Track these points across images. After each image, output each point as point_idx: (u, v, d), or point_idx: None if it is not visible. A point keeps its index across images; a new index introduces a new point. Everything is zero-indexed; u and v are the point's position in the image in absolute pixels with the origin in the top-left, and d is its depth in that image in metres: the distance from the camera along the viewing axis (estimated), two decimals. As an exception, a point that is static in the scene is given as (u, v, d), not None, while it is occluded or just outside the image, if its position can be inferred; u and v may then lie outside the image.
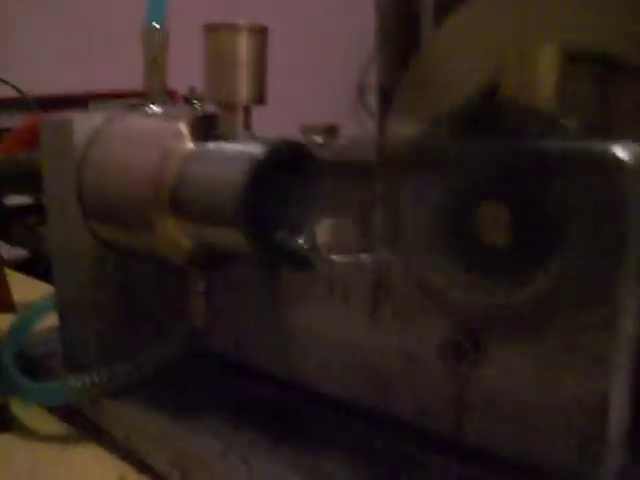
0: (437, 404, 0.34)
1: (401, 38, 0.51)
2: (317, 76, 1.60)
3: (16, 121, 1.00)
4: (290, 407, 0.39)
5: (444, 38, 0.39)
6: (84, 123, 0.42)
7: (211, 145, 0.37)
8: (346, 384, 0.38)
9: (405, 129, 0.37)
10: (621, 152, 0.27)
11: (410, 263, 0.33)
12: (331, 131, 0.43)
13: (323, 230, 0.40)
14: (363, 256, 0.37)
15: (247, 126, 0.38)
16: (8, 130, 0.89)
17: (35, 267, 0.92)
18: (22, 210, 0.98)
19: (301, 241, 0.37)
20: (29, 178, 0.51)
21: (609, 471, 0.30)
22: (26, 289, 0.71)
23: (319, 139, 0.42)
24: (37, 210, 0.98)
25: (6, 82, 0.89)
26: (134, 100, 0.45)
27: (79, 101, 1.11)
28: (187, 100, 0.43)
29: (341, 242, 0.40)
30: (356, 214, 0.40)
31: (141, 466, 0.39)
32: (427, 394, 0.34)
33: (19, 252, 1.03)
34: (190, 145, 0.37)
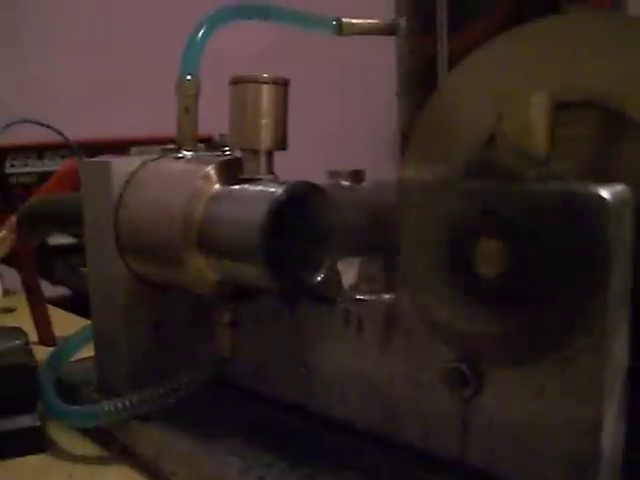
0: (442, 429, 0.36)
1: (419, 86, 0.55)
2: (362, 123, 1.64)
3: (59, 165, 1.05)
4: (306, 433, 0.42)
5: (452, 86, 0.42)
6: (121, 166, 0.45)
7: (235, 187, 0.40)
8: (359, 411, 0.40)
9: (416, 172, 0.40)
10: (604, 192, 0.30)
11: (416, 297, 0.35)
12: (356, 175, 0.46)
13: (347, 268, 0.43)
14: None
15: (270, 170, 0.41)
16: (51, 174, 0.94)
17: (76, 306, 0.96)
18: (64, 250, 1.03)
19: (319, 277, 0.40)
20: (70, 217, 0.55)
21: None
22: (67, 325, 0.74)
23: (345, 183, 0.45)
24: (79, 250, 1.02)
25: (50, 127, 0.94)
26: (169, 145, 0.48)
27: (120, 146, 1.15)
28: (218, 146, 0.46)
29: (365, 279, 0.43)
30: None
31: (168, 485, 0.42)
32: (432, 420, 0.37)
33: (62, 291, 1.07)
34: (217, 187, 0.41)
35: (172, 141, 0.48)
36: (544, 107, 0.32)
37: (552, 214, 0.30)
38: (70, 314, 0.85)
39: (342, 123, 1.64)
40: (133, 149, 1.15)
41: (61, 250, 1.03)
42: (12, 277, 0.85)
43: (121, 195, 0.45)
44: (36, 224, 0.64)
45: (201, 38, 0.47)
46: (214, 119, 0.59)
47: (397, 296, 0.37)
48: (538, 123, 0.32)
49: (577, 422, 0.32)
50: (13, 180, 1.09)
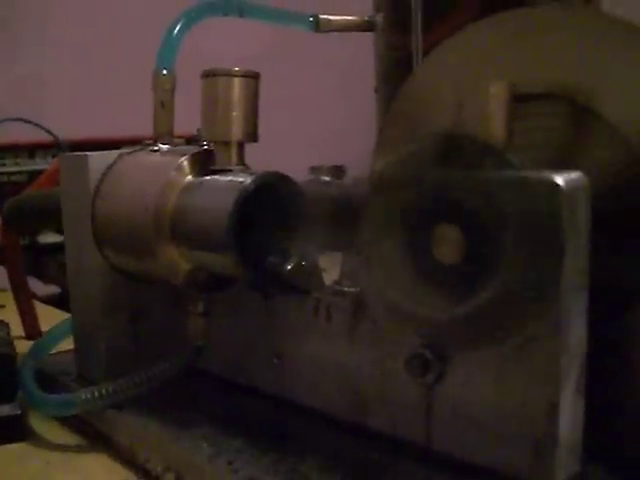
0: (407, 415, 0.37)
1: (396, 80, 0.55)
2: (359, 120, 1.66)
3: (50, 164, 1.06)
4: (278, 420, 0.42)
5: (420, 78, 0.43)
6: (98, 159, 0.46)
7: (206, 178, 0.41)
8: (329, 399, 0.41)
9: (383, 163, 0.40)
10: (558, 179, 0.30)
11: (379, 285, 0.36)
12: (337, 171, 0.46)
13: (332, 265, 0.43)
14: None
15: (241, 161, 0.42)
16: (42, 172, 0.95)
17: (67, 303, 0.96)
18: (55, 248, 1.03)
19: (289, 266, 0.41)
20: (53, 211, 0.55)
21: (561, 475, 0.33)
22: (54, 320, 0.75)
23: (326, 178, 0.46)
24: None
25: (41, 127, 0.95)
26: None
27: (110, 146, 1.16)
28: (195, 141, 0.47)
29: (347, 275, 0.44)
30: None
31: (142, 472, 0.42)
32: (399, 406, 0.37)
33: (53, 289, 1.08)
34: (189, 178, 0.41)
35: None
36: (502, 97, 0.33)
37: (507, 201, 0.31)
38: (60, 311, 0.86)
39: (340, 120, 1.64)
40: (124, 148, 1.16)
41: (51, 249, 1.04)
42: (2, 275, 0.86)
43: (98, 187, 0.46)
44: (21, 219, 0.65)
45: (177, 34, 0.47)
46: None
47: (363, 284, 0.38)
48: (496, 112, 0.33)
49: (534, 405, 0.32)
50: (4, 178, 1.10)
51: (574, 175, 0.31)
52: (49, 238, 1.05)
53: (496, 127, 0.33)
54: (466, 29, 0.41)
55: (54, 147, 1.09)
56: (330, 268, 0.44)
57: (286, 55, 1.47)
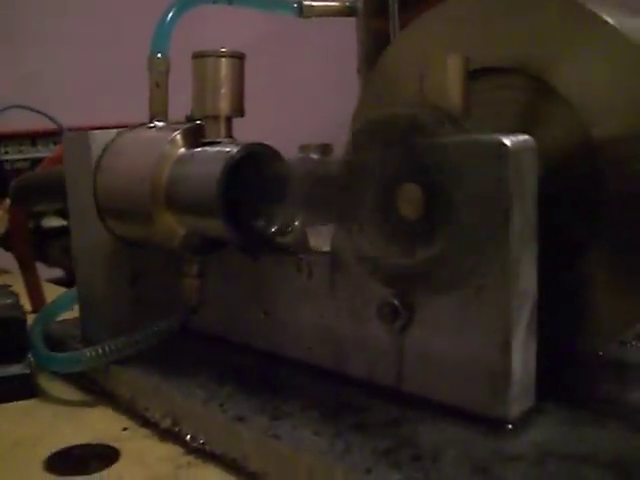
0: (381, 360, 0.41)
1: (376, 62, 0.59)
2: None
3: (52, 151, 1.10)
4: (265, 371, 0.47)
5: (389, 55, 0.47)
6: (99, 136, 0.50)
7: (197, 150, 0.45)
8: (311, 349, 0.45)
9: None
10: (506, 140, 0.34)
11: (354, 240, 0.40)
12: (325, 149, 0.50)
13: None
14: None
15: (228, 134, 0.46)
16: (44, 159, 0.99)
17: (71, 286, 1.00)
18: (58, 232, 1.07)
19: (273, 228, 0.45)
20: (56, 187, 0.59)
21: (516, 409, 0.37)
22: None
23: (314, 156, 0.49)
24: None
25: (42, 113, 0.98)
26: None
27: None
28: (189, 119, 0.51)
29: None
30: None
31: (142, 420, 0.46)
32: (373, 352, 0.41)
33: (57, 273, 1.11)
34: (182, 150, 0.45)
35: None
36: (458, 69, 0.37)
37: (460, 161, 0.35)
38: (64, 289, 0.90)
39: (326, 100, 1.68)
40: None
41: (55, 232, 1.07)
42: (9, 258, 0.90)
43: (99, 162, 0.50)
44: (27, 197, 0.68)
45: (170, 20, 0.51)
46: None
47: (341, 243, 0.42)
48: (453, 83, 0.37)
49: (490, 345, 0.36)
50: (7, 166, 1.14)
51: (521, 137, 0.35)
52: (53, 222, 1.08)
53: (453, 96, 0.37)
54: (434, 8, 0.45)
55: (55, 135, 1.13)
56: (321, 244, 0.48)
57: (275, 40, 1.51)
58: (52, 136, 1.16)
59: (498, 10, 0.43)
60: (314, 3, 0.59)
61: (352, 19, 0.62)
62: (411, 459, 0.34)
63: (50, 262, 1.11)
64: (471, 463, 0.34)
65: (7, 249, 0.94)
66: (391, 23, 0.57)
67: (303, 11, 0.58)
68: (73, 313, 0.58)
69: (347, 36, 0.66)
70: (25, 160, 1.15)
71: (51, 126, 1.10)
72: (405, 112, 0.37)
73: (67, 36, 1.64)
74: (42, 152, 1.15)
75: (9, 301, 0.55)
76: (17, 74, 1.55)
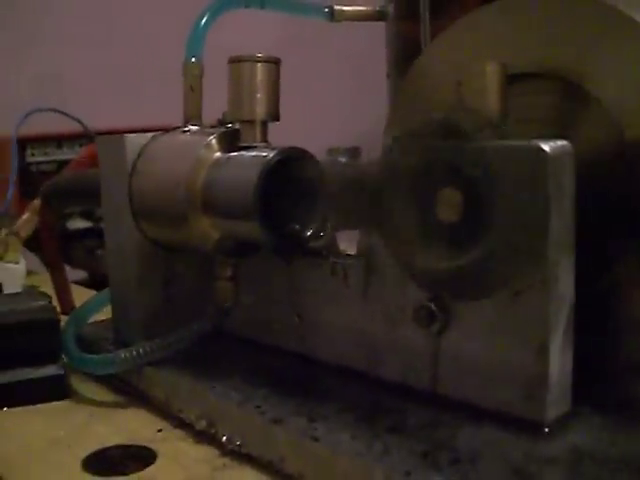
0: (416, 363, 0.41)
1: (406, 66, 0.59)
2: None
3: (77, 153, 1.11)
4: (299, 373, 0.47)
5: (423, 62, 0.47)
6: (134, 140, 0.51)
7: (233, 154, 0.45)
8: (345, 352, 0.45)
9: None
10: (545, 146, 0.34)
11: (390, 244, 0.40)
12: (354, 152, 0.51)
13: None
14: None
15: (264, 138, 0.46)
16: (69, 162, 1.00)
17: (94, 287, 1.01)
18: (82, 234, 1.08)
19: (309, 232, 0.45)
20: (90, 190, 0.60)
21: (553, 413, 0.37)
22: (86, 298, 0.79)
23: (343, 159, 0.50)
24: (95, 234, 1.08)
25: (68, 115, 0.99)
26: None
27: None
28: (221, 123, 0.51)
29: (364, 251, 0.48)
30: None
31: (177, 421, 0.47)
32: (408, 355, 0.42)
33: (81, 275, 1.13)
34: (217, 154, 0.46)
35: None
36: (497, 75, 0.37)
37: (499, 167, 0.35)
38: (89, 290, 0.90)
39: (355, 105, 1.68)
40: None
41: (79, 234, 1.08)
42: (34, 260, 0.91)
43: (134, 165, 0.50)
44: (60, 199, 0.69)
45: (203, 25, 0.52)
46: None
47: (375, 247, 0.42)
48: (491, 89, 0.37)
49: (527, 349, 0.36)
50: (34, 168, 1.15)
51: (560, 143, 0.35)
52: (77, 224, 1.09)
53: (492, 102, 0.37)
54: (466, 16, 0.45)
55: (81, 137, 1.14)
56: (348, 247, 0.48)
57: (305, 44, 1.52)
58: (78, 138, 1.17)
59: (528, 16, 0.43)
60: (345, 8, 0.60)
61: (380, 24, 0.63)
62: (450, 462, 0.34)
63: (74, 264, 1.12)
64: (509, 465, 0.34)
65: (32, 250, 0.95)
66: (422, 28, 0.57)
67: (334, 15, 0.59)
68: (104, 314, 0.59)
69: (375, 40, 0.66)
70: (50, 162, 1.17)
71: (76, 128, 1.11)
72: (444, 117, 0.37)
73: (84, 36, 1.65)
74: (67, 154, 1.16)
75: (42, 303, 0.55)
76: (33, 77, 1.57)
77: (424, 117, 0.39)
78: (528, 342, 0.36)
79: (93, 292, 0.88)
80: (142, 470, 0.42)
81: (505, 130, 0.36)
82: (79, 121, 1.02)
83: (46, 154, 1.17)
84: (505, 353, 0.37)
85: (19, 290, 0.83)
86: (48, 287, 0.77)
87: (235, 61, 0.45)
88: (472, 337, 0.39)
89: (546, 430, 0.37)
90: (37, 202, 0.87)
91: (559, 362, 0.37)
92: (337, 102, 1.75)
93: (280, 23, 1.33)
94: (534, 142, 0.35)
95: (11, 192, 0.87)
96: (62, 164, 1.13)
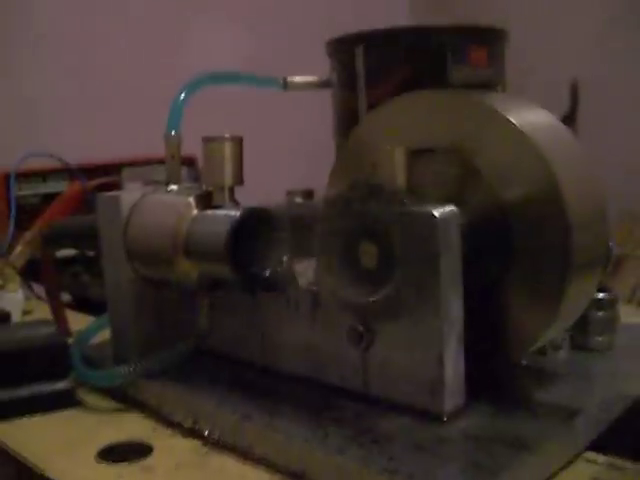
0: (351, 371, 0.55)
1: (348, 128, 0.72)
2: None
3: (61, 187, 1.22)
4: (264, 381, 0.60)
5: (352, 142, 0.61)
6: (127, 198, 0.63)
7: (208, 212, 0.58)
8: (297, 363, 0.58)
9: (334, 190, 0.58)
10: (435, 211, 0.48)
11: (328, 282, 0.53)
12: (308, 194, 0.64)
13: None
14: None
15: (232, 199, 0.59)
16: (52, 196, 1.11)
17: (77, 308, 1.11)
18: (69, 261, 1.19)
19: (268, 272, 0.58)
20: (85, 235, 0.72)
21: (450, 405, 0.50)
22: (75, 320, 0.91)
23: (298, 199, 0.63)
24: (81, 261, 1.19)
25: (55, 157, 1.11)
26: (159, 168, 0.66)
27: (113, 168, 1.30)
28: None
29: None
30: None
31: (167, 423, 0.59)
32: (345, 365, 0.55)
33: (65, 297, 1.23)
34: (195, 212, 0.59)
35: (160, 162, 0.65)
36: (402, 159, 0.50)
37: (401, 227, 0.48)
38: (76, 312, 1.02)
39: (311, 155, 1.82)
40: (125, 170, 1.32)
41: (66, 261, 1.19)
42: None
43: (128, 219, 0.63)
44: (57, 242, 0.82)
45: (181, 102, 0.65)
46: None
47: (319, 282, 0.55)
48: (399, 170, 0.50)
49: (429, 358, 0.50)
50: (22, 201, 1.25)
51: (447, 208, 0.49)
52: (65, 252, 1.20)
53: (399, 180, 0.50)
54: (392, 100, 0.58)
55: (64, 172, 1.25)
56: (306, 271, 0.61)
57: (268, 111, 1.67)
58: (61, 173, 1.28)
59: (437, 107, 0.56)
60: (296, 78, 0.72)
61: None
62: (372, 441, 0.48)
63: (62, 288, 1.23)
64: (415, 443, 0.47)
65: (31, 279, 1.07)
66: (360, 96, 0.70)
67: (287, 85, 0.72)
68: (100, 337, 0.71)
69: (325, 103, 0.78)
70: (36, 196, 1.27)
71: (60, 164, 1.22)
72: (367, 179, 0.50)
73: (60, 65, 1.73)
74: (52, 188, 1.27)
75: (52, 330, 0.67)
76: (9, 101, 1.65)
77: (353, 179, 0.52)
78: (429, 353, 0.50)
79: (80, 315, 1.00)
80: (143, 460, 0.54)
81: (406, 199, 0.49)
82: (64, 161, 1.13)
83: (32, 188, 1.27)
84: (414, 361, 0.51)
85: (19, 315, 0.95)
86: (40, 311, 0.89)
87: (208, 141, 0.58)
88: (391, 350, 0.52)
89: (445, 419, 0.50)
90: (28, 235, 1.00)
91: (453, 367, 0.50)
92: (296, 153, 1.93)
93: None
94: (427, 208, 0.48)
95: (12, 229, 0.98)
96: (47, 197, 1.23)
